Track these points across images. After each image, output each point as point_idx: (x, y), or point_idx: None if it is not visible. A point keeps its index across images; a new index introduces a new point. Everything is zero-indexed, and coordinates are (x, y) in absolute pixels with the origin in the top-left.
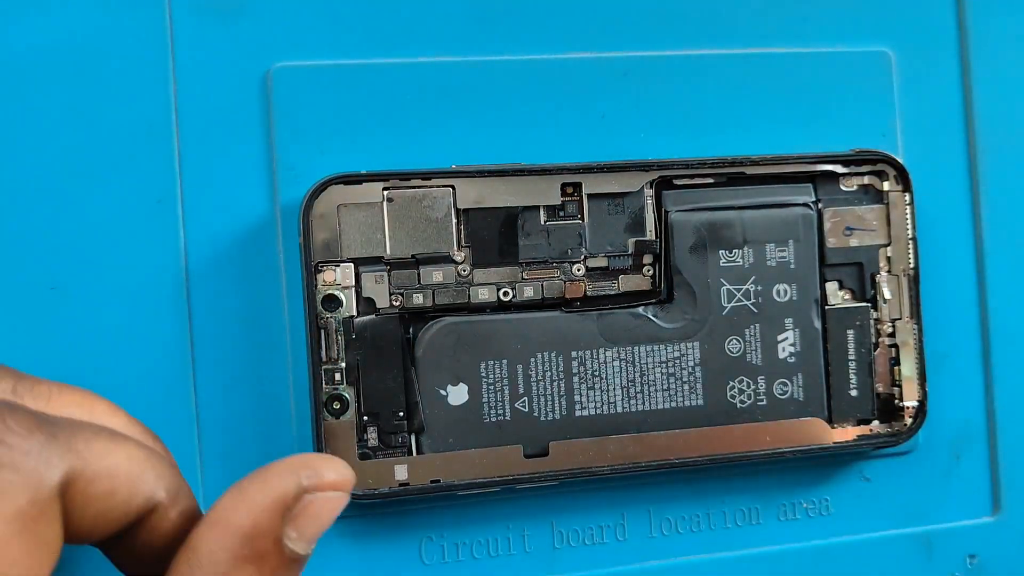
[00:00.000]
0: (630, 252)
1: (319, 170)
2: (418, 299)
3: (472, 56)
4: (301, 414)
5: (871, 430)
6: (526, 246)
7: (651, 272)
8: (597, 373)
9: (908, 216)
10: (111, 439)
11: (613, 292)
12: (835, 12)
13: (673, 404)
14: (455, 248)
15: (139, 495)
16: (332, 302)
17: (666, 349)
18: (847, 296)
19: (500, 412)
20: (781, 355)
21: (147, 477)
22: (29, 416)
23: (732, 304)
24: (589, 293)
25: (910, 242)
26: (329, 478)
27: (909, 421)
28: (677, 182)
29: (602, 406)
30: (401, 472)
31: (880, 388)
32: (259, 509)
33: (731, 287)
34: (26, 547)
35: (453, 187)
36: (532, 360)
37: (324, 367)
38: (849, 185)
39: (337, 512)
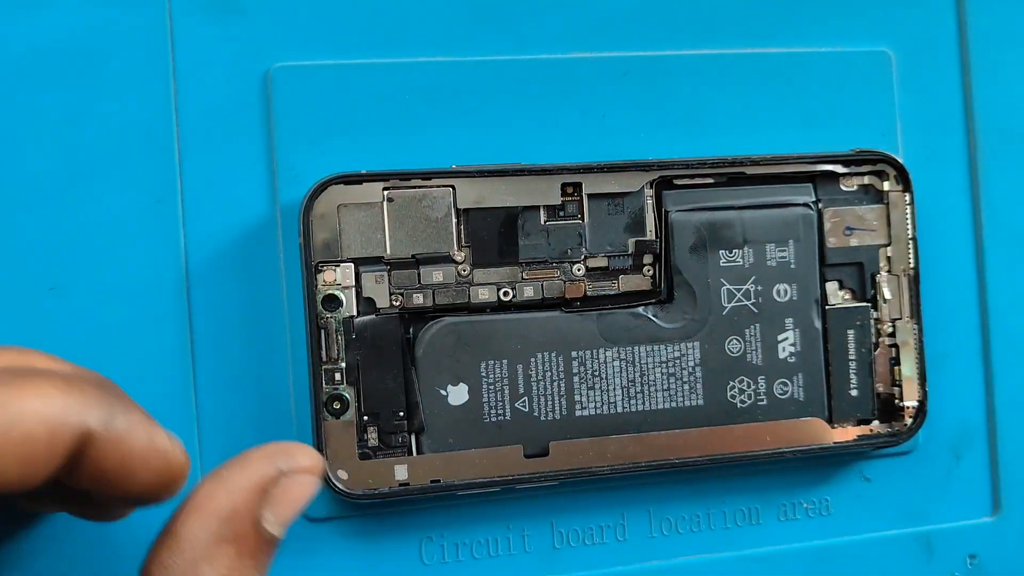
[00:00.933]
0: (630, 252)
1: (319, 170)
2: (418, 299)
3: (472, 56)
4: (301, 414)
5: (871, 430)
6: (526, 246)
7: (651, 272)
8: (597, 373)
9: (908, 216)
10: (19, 385)
11: (613, 292)
12: (835, 12)
13: (673, 404)
14: (455, 248)
15: (64, 432)
16: (332, 302)
17: (666, 349)
18: (847, 296)
19: (500, 412)
20: (781, 355)
21: (69, 412)
22: None
23: (732, 304)
24: (589, 293)
25: (910, 242)
26: (304, 463)
27: (909, 421)
28: (677, 182)
29: (602, 406)
30: (401, 472)
31: (880, 388)
32: (238, 491)
33: (731, 287)
34: None
35: (453, 187)
36: (532, 360)
37: (324, 367)
38: (849, 185)
39: (311, 495)
